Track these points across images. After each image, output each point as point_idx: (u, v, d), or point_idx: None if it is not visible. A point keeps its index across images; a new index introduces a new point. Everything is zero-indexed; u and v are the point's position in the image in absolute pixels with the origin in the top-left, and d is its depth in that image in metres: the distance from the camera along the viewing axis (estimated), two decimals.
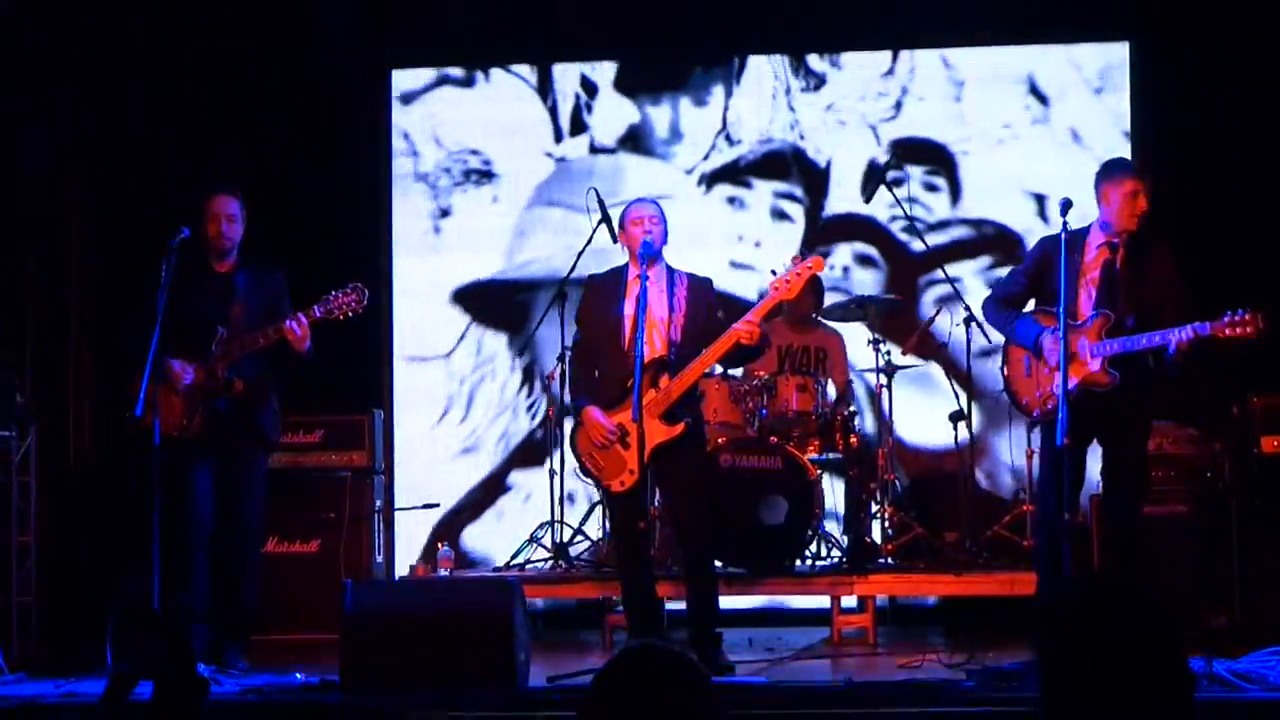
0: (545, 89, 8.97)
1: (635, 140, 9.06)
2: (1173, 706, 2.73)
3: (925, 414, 9.26)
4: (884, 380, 8.78)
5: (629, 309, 6.91)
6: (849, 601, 8.21)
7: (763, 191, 8.61)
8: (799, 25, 8.67)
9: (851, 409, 8.82)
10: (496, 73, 8.82)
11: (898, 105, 8.24)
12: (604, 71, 8.92)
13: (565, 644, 8.54)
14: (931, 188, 8.27)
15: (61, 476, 8.95)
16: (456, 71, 9.16)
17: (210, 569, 7.04)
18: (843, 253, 8.58)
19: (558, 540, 8.80)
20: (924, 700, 5.92)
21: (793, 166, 8.41)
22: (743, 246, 8.51)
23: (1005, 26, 8.64)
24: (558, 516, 8.86)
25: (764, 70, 8.30)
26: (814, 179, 8.36)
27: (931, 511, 8.89)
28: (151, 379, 6.63)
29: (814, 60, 8.12)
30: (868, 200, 8.88)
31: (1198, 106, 9.01)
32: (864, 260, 8.52)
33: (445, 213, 9.31)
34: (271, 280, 7.25)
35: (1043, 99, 8.56)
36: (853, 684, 6.15)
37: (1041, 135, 8.37)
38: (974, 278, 8.57)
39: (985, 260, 8.52)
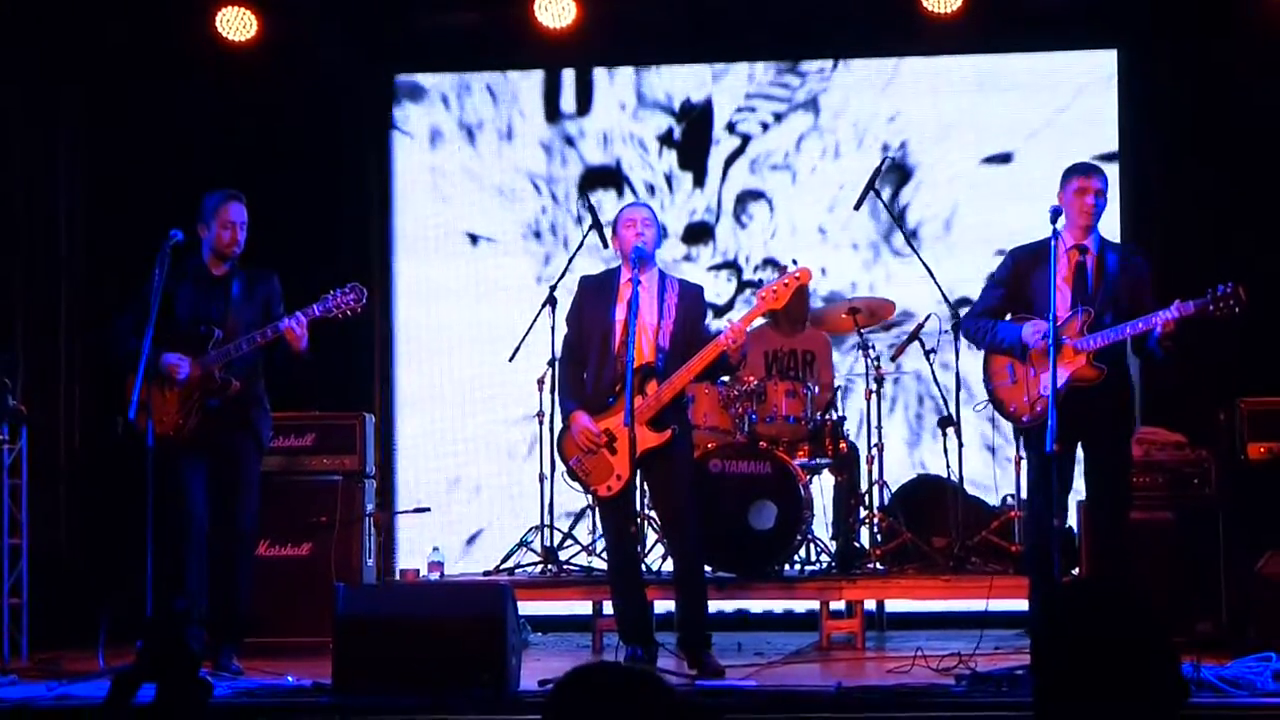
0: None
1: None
2: (1166, 712, 2.76)
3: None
4: (873, 386, 8.83)
5: (620, 314, 6.92)
6: (837, 606, 8.23)
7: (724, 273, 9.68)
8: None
9: (840, 414, 8.86)
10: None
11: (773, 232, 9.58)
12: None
13: (556, 647, 8.57)
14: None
15: (52, 479, 8.95)
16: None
17: (205, 571, 7.05)
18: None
19: (547, 544, 8.82)
20: (913, 705, 5.94)
21: (736, 268, 9.64)
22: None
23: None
24: (547, 520, 8.88)
25: (729, 241, 9.63)
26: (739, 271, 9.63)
27: (920, 517, 8.91)
28: (144, 382, 6.67)
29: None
30: (857, 207, 9.05)
31: (1175, 113, 9.18)
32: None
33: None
34: (266, 283, 7.28)
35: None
36: (842, 689, 6.17)
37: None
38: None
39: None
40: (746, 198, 8.93)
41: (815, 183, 8.88)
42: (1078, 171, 6.79)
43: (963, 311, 8.07)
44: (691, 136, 8.99)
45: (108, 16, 9.24)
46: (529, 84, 9.64)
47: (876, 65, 9.26)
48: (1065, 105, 9.17)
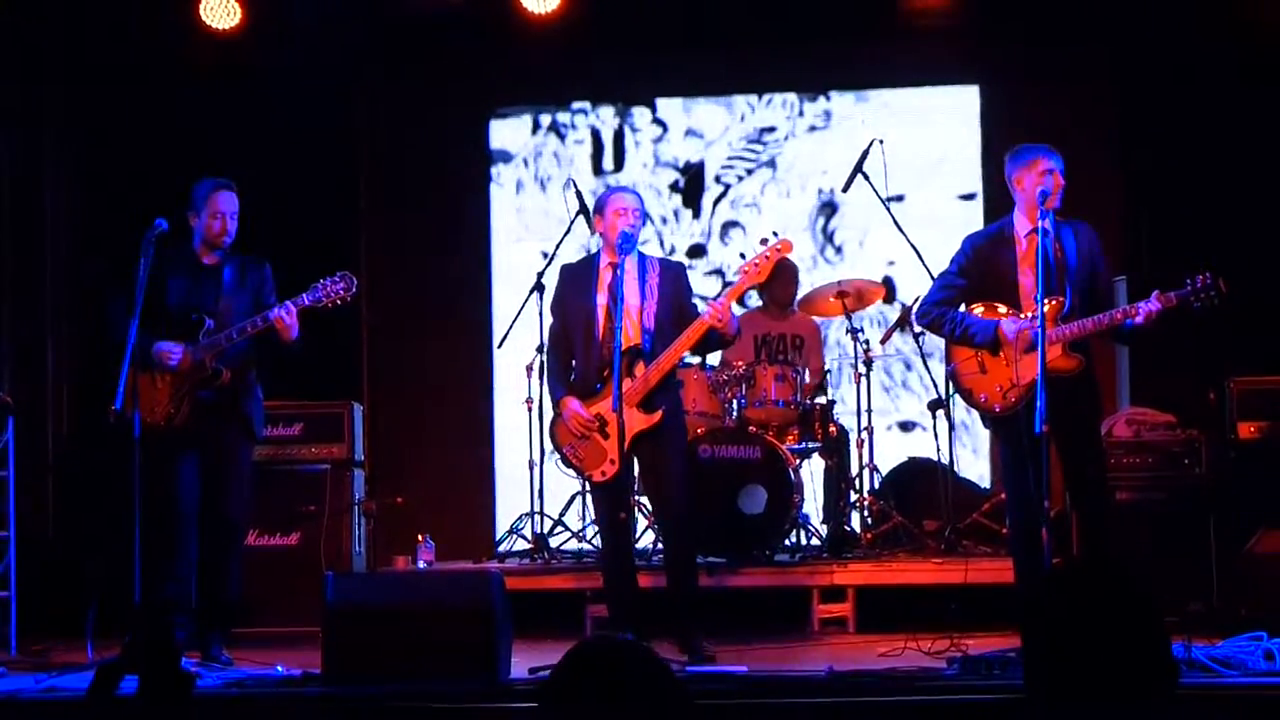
0: None
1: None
2: (1157, 693, 2.75)
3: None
4: (863, 370, 8.83)
5: (602, 299, 6.92)
6: (828, 590, 8.20)
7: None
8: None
9: (829, 398, 8.85)
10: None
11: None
12: None
13: (546, 635, 8.54)
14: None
15: (40, 470, 8.92)
16: None
17: (193, 561, 7.02)
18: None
19: (537, 531, 8.81)
20: (905, 689, 5.92)
21: (721, 273, 11.02)
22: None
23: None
24: (537, 508, 8.87)
25: (717, 256, 11.21)
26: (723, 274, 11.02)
27: (911, 500, 8.90)
28: (131, 371, 6.62)
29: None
30: (845, 190, 9.14)
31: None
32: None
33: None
34: (258, 272, 7.24)
35: None
36: (833, 673, 6.16)
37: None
38: None
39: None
40: (728, 226, 11.09)
41: (773, 215, 10.86)
42: (1037, 152, 6.63)
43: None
44: (691, 185, 11.18)
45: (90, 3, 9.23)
46: (582, 150, 11.19)
47: (813, 138, 11.06)
48: (941, 157, 10.69)
